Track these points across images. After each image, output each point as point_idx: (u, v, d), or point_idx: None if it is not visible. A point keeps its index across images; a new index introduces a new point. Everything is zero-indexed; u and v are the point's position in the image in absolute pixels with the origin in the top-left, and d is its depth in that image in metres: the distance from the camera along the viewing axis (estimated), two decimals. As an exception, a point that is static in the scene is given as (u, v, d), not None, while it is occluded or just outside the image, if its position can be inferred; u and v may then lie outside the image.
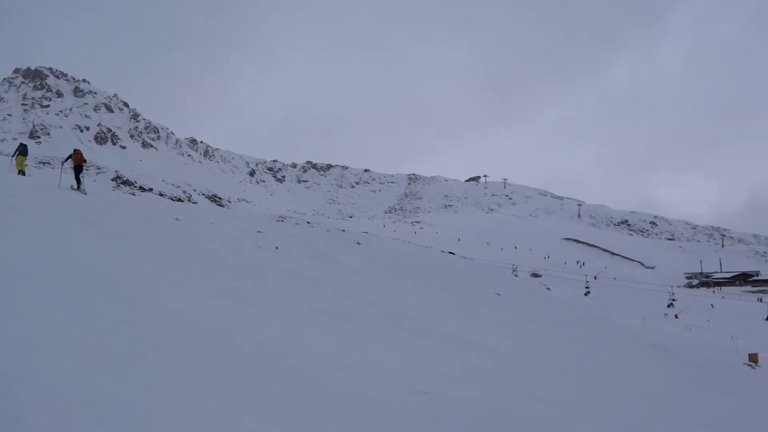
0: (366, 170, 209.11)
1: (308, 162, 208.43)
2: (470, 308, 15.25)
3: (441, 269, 23.34)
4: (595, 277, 66.99)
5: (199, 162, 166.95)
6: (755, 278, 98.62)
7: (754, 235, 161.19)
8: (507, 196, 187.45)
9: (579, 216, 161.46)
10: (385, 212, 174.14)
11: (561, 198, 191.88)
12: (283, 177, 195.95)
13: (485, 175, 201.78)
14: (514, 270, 49.81)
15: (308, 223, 28.01)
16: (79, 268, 7.01)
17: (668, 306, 46.13)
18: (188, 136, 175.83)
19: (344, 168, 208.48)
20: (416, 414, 4.96)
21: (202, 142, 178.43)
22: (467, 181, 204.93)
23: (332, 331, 7.90)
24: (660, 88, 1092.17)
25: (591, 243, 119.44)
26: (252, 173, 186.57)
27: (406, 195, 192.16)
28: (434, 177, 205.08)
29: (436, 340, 9.20)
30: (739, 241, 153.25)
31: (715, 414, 8.64)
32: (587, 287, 43.96)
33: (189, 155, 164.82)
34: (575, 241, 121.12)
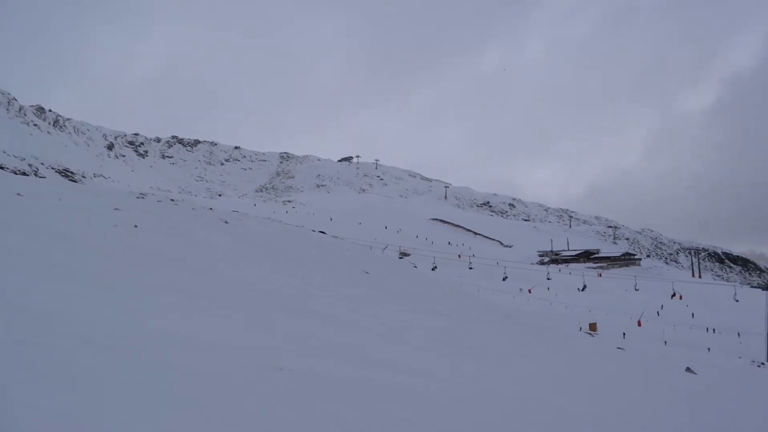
0: (236, 147, 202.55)
1: (174, 137, 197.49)
2: (338, 285, 15.41)
3: (311, 248, 23.32)
4: (459, 256, 70.66)
5: (48, 132, 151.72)
6: (596, 255, 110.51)
7: (596, 216, 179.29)
8: (378, 177, 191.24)
9: (446, 197, 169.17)
10: (257, 191, 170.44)
11: (430, 180, 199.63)
12: (146, 152, 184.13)
13: (357, 156, 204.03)
14: (384, 249, 51.13)
15: (172, 200, 26.58)
16: None
17: (503, 280, 50.18)
18: (35, 104, 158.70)
19: (213, 144, 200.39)
20: (268, 389, 4.93)
21: (51, 110, 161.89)
22: (340, 161, 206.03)
23: (194, 311, 7.59)
24: (524, 78, 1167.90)
25: (456, 223, 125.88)
26: (110, 147, 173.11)
27: (278, 174, 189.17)
28: (307, 156, 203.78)
29: (301, 317, 9.20)
30: (584, 222, 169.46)
31: (555, 372, 9.52)
32: (434, 264, 46.75)
33: (35, 125, 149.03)
34: (442, 221, 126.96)
